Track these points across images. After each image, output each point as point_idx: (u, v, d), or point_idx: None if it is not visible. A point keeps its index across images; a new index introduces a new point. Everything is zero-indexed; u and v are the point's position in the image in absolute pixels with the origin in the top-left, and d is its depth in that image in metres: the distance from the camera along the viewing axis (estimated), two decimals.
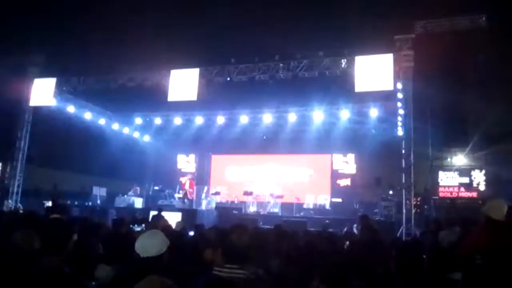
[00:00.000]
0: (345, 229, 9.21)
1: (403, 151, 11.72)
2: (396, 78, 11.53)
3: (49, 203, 14.09)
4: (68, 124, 15.71)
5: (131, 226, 5.61)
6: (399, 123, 13.10)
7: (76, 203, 15.11)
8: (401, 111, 12.65)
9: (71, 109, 15.74)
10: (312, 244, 4.33)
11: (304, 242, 4.75)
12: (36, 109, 14.83)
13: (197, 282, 2.24)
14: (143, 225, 5.81)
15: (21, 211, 12.47)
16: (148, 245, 2.53)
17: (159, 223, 5.53)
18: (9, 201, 14.34)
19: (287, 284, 3.15)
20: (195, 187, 17.45)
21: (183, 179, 16.05)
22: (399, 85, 12.01)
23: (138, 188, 17.05)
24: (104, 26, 13.30)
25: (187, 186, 14.95)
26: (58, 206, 6.12)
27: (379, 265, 3.41)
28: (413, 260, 2.93)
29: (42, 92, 14.46)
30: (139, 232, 2.91)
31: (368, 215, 6.94)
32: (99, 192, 17.01)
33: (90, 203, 15.93)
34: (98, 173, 17.93)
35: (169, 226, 6.17)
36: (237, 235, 2.53)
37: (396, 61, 11.39)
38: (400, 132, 12.95)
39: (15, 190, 14.68)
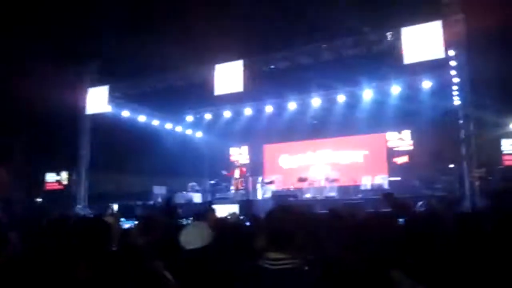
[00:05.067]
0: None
1: (461, 121, 11.11)
2: (448, 45, 10.83)
3: (115, 206, 14.89)
4: (125, 128, 16.36)
5: (179, 220, 5.51)
6: (455, 92, 12.42)
7: (138, 203, 15.67)
8: (455, 80, 11.99)
9: (125, 113, 16.41)
10: (364, 224, 4.19)
11: (355, 224, 4.62)
12: (94, 116, 15.57)
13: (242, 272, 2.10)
14: (190, 218, 5.63)
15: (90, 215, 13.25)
16: (191, 237, 2.50)
17: (208, 218, 5.45)
18: (79, 206, 15.24)
19: (341, 267, 3.05)
20: (248, 178, 17.48)
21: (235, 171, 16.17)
22: (451, 52, 11.35)
23: (195, 184, 17.43)
24: (147, 30, 13.63)
25: (236, 175, 15.01)
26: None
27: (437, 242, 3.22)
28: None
29: (97, 100, 15.19)
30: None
31: (392, 193, 6.59)
32: (160, 190, 17.62)
33: (152, 202, 16.51)
34: (157, 172, 18.52)
35: (220, 219, 6.08)
36: (280, 218, 2.16)
37: (446, 28, 10.70)
38: (456, 101, 12.28)
39: (82, 196, 15.56)
